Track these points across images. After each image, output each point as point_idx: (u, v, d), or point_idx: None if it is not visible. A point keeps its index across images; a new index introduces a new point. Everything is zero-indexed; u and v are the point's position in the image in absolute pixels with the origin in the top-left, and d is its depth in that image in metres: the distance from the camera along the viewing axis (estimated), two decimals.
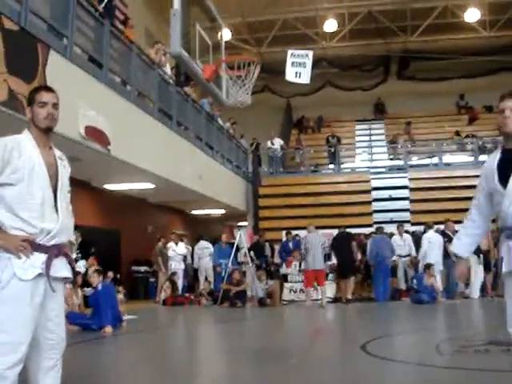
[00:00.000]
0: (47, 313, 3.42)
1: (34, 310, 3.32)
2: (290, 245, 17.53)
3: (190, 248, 18.81)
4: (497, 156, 4.10)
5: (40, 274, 3.36)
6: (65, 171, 3.65)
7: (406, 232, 17.27)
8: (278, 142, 24.30)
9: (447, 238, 15.80)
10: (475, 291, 15.32)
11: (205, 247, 18.12)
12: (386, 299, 15.38)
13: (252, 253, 17.07)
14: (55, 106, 3.58)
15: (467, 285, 15.82)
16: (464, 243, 4.20)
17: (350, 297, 15.46)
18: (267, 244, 18.02)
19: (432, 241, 15.73)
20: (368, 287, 16.93)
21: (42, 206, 3.41)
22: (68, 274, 3.59)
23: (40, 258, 3.38)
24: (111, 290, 10.86)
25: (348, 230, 16.92)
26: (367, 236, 17.35)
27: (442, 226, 16.50)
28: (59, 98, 3.63)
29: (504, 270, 3.83)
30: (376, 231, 16.99)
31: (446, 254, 15.63)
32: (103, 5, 12.08)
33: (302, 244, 15.67)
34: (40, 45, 8.64)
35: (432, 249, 15.56)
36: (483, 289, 15.61)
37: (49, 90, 3.65)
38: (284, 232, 18.83)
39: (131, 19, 15.14)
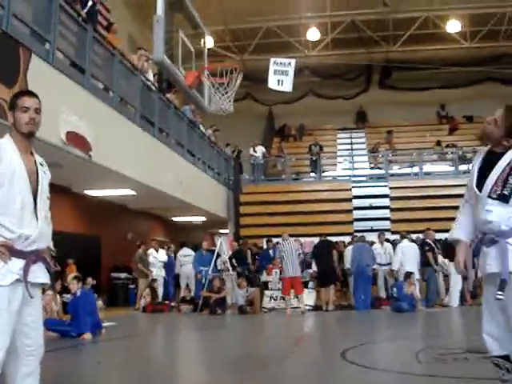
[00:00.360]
0: (24, 318, 3.40)
1: (11, 315, 3.29)
2: (271, 252, 17.52)
3: (173, 255, 18.73)
4: (479, 158, 4.11)
5: (18, 280, 3.34)
6: (45, 177, 3.64)
7: (387, 241, 17.35)
8: (260, 150, 24.36)
9: (428, 247, 15.91)
10: (454, 300, 15.40)
11: (187, 254, 18.04)
12: (367, 307, 15.42)
13: (234, 260, 17.03)
14: (37, 110, 3.56)
15: (446, 293, 15.93)
16: (464, 228, 4.15)
17: (331, 307, 15.50)
18: (249, 251, 18.00)
19: (405, 251, 15.83)
20: (345, 295, 16.97)
21: (21, 211, 3.39)
22: (46, 279, 3.58)
23: (18, 263, 3.36)
24: (90, 296, 10.79)
25: (329, 238, 16.96)
26: (346, 244, 17.37)
27: (421, 235, 16.61)
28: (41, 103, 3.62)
29: (479, 274, 3.87)
30: (356, 239, 17.00)
31: (426, 263, 15.74)
32: (86, 10, 12.06)
33: (276, 252, 15.86)
34: (22, 49, 8.60)
35: (407, 259, 15.65)
36: (462, 297, 15.70)
37: (31, 94, 3.64)
38: (265, 240, 18.82)
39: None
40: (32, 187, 3.49)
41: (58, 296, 11.67)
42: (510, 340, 3.89)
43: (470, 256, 4.10)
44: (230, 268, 16.71)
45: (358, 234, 17.90)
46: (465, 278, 15.54)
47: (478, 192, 3.94)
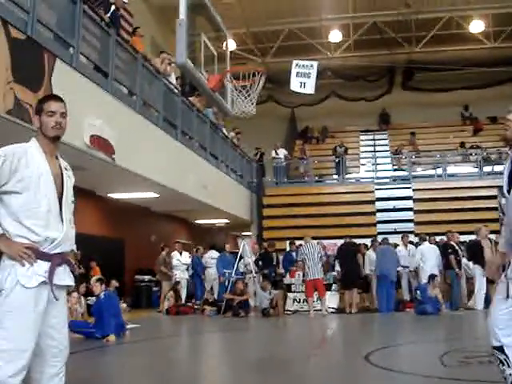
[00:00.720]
0: (50, 320, 3.43)
1: (37, 317, 3.32)
2: (294, 255, 17.49)
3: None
4: (508, 162, 4.12)
5: (43, 282, 3.36)
6: (70, 181, 3.67)
7: (411, 243, 17.23)
8: (282, 152, 24.37)
9: (451, 250, 15.74)
10: (479, 302, 15.26)
11: (214, 257, 18.01)
12: (390, 310, 15.33)
13: (260, 262, 16.98)
14: (63, 114, 3.59)
15: (470, 296, 15.79)
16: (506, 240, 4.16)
17: (354, 310, 15.45)
18: (275, 254, 17.94)
19: (425, 253, 15.73)
20: (368, 298, 16.87)
21: (47, 214, 3.42)
22: (70, 282, 3.61)
23: (43, 265, 3.39)
24: (114, 298, 10.85)
25: (352, 240, 16.91)
26: (369, 247, 17.23)
27: (444, 238, 16.46)
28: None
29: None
30: (380, 242, 16.84)
31: (448, 266, 15.58)
32: (109, 14, 12.16)
33: (298, 255, 15.84)
34: (46, 54, 8.68)
35: (427, 261, 15.55)
36: (487, 300, 15.55)
37: (57, 99, 3.67)
38: (288, 242, 18.78)
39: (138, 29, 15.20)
40: (57, 191, 3.52)
41: (82, 298, 11.77)
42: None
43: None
44: (255, 270, 16.68)
45: (379, 237, 17.82)
46: (491, 282, 15.45)
47: (507, 195, 3.94)
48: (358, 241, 17.37)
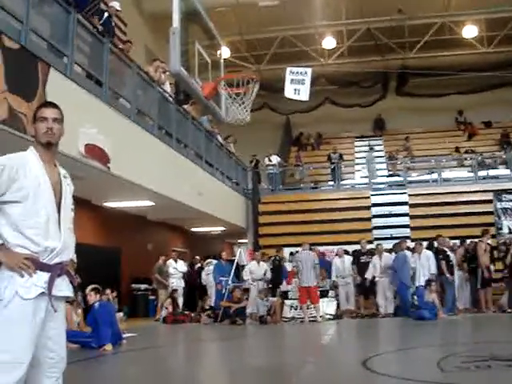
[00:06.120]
0: (48, 332, 3.40)
1: (35, 329, 3.29)
2: (287, 266, 17.43)
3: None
4: None
5: (42, 293, 3.34)
6: (68, 189, 3.65)
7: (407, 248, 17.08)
8: (275, 159, 24.38)
9: (442, 255, 15.64)
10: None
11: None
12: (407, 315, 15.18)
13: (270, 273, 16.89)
14: (56, 120, 3.59)
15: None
16: None
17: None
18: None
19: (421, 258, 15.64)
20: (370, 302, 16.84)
21: (46, 223, 3.40)
22: (69, 293, 3.58)
23: (43, 276, 3.36)
24: (109, 307, 10.82)
25: (346, 246, 16.96)
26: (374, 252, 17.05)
27: (435, 243, 16.36)
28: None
29: None
30: (394, 248, 16.58)
31: (440, 271, 15.48)
32: (102, 21, 12.18)
33: (293, 261, 15.83)
34: (40, 63, 8.68)
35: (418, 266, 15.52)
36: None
37: (50, 105, 3.67)
38: (288, 253, 18.67)
39: (130, 37, 15.22)
40: (56, 199, 3.50)
41: (78, 308, 11.71)
42: None
43: None
44: (266, 279, 16.60)
45: (375, 243, 17.78)
46: (487, 285, 15.47)
47: None
48: (354, 247, 17.35)
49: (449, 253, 15.82)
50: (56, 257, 3.43)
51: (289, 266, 17.37)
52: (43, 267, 3.38)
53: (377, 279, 16.01)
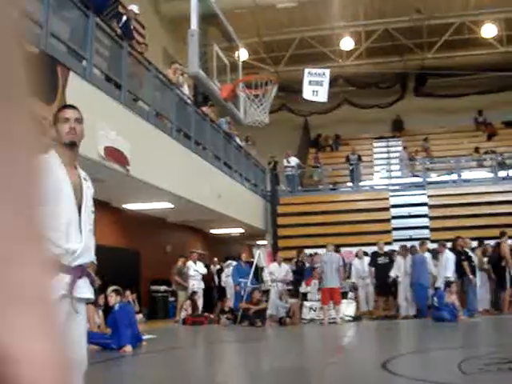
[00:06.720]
0: (69, 333, 3.42)
1: None
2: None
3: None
4: None
5: (63, 295, 3.36)
6: (89, 192, 3.67)
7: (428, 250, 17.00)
8: (293, 161, 24.36)
9: (464, 256, 15.53)
10: None
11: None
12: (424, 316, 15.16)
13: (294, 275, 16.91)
14: (78, 120, 3.61)
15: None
16: None
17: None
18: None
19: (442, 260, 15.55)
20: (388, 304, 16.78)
21: (67, 226, 3.42)
22: (90, 295, 3.60)
23: (64, 278, 3.38)
24: (129, 309, 10.86)
25: (365, 248, 16.91)
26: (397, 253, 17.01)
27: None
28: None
29: None
30: (413, 250, 16.51)
31: (463, 272, 15.36)
32: (120, 25, 12.24)
33: (317, 262, 15.82)
34: (60, 67, 8.75)
35: (439, 267, 15.42)
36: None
37: (71, 107, 3.72)
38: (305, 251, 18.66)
39: (149, 40, 15.29)
40: (77, 201, 3.52)
41: (99, 309, 11.78)
42: None
43: None
44: (286, 281, 16.60)
45: (394, 244, 17.70)
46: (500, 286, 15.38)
47: None
48: (373, 248, 17.30)
49: (471, 254, 15.71)
50: (77, 259, 3.44)
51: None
52: (65, 269, 3.40)
53: (400, 279, 15.95)
